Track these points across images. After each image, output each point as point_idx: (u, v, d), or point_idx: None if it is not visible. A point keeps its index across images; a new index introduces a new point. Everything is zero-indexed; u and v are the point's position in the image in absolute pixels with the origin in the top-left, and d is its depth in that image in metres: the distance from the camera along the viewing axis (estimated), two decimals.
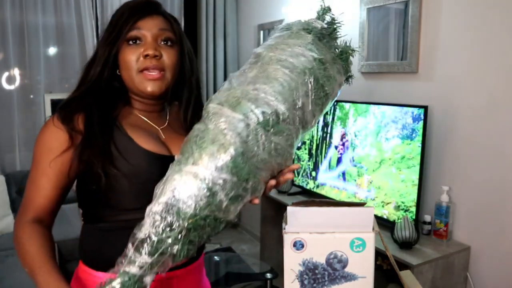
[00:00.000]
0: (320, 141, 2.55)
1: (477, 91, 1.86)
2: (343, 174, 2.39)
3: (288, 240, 0.70)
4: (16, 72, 3.08)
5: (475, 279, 1.92)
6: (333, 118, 2.44)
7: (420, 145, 1.91)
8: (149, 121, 0.97)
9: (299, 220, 0.69)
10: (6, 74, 3.05)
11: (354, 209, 0.69)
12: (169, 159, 0.86)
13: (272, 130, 0.72)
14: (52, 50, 3.25)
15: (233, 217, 0.72)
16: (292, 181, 2.79)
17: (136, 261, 0.66)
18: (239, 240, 3.67)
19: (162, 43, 0.91)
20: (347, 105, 2.33)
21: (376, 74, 2.37)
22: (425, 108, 1.91)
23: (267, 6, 3.33)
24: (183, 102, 0.99)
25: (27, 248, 0.81)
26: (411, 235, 1.85)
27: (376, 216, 0.74)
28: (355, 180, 2.28)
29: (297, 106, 0.75)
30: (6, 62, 3.02)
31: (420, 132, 1.92)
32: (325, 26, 0.85)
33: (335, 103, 2.43)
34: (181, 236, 0.67)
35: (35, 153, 0.90)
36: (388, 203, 2.07)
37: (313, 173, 2.61)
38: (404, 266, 1.79)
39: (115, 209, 0.90)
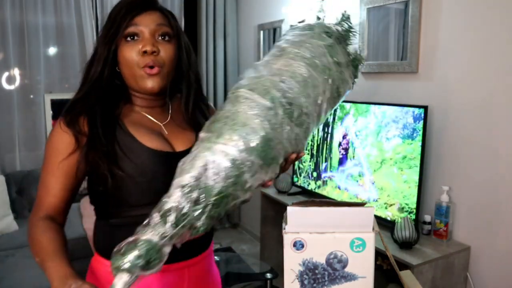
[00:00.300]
0: (321, 142, 2.56)
1: (477, 91, 1.86)
2: (345, 174, 2.39)
3: (288, 240, 0.70)
4: (16, 72, 3.09)
5: (475, 279, 1.92)
6: (333, 118, 2.44)
7: (420, 145, 1.91)
8: (151, 118, 0.98)
9: (299, 220, 0.69)
10: (6, 74, 3.05)
11: (354, 209, 0.69)
12: (172, 155, 0.93)
13: (296, 121, 0.76)
14: (52, 50, 3.25)
15: (249, 197, 0.75)
16: (292, 181, 2.79)
17: (159, 231, 0.68)
18: (239, 240, 3.68)
19: (160, 38, 0.92)
20: (347, 105, 2.33)
21: (376, 74, 2.37)
22: (425, 108, 1.91)
23: (267, 6, 3.33)
24: (183, 95, 1.01)
25: (40, 240, 0.83)
26: (411, 235, 1.85)
27: (376, 216, 0.74)
28: (357, 181, 2.28)
29: (317, 102, 0.80)
30: (6, 62, 3.03)
31: (420, 132, 1.92)
32: (343, 32, 0.89)
33: None
34: (206, 211, 0.70)
35: (45, 155, 0.93)
36: (391, 205, 2.06)
37: (314, 174, 2.61)
38: (404, 266, 1.79)
39: (124, 206, 0.93)
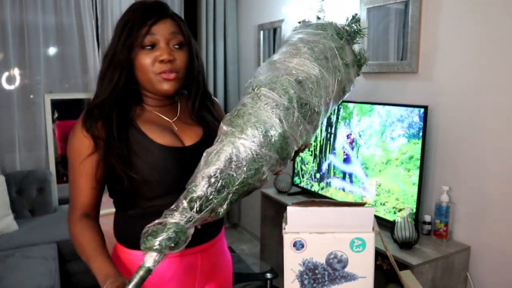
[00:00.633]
0: (324, 142, 2.55)
1: (477, 91, 1.86)
2: (349, 175, 2.39)
3: (288, 240, 0.70)
4: (16, 72, 3.08)
5: (475, 279, 1.92)
6: (337, 118, 2.44)
7: (420, 145, 1.91)
8: (162, 116, 1.06)
9: (299, 220, 0.70)
10: (6, 74, 3.05)
11: (354, 209, 0.69)
12: (182, 150, 1.02)
13: (308, 119, 0.83)
14: (52, 50, 3.25)
15: (262, 185, 0.83)
16: (292, 181, 2.79)
17: (186, 215, 0.77)
18: (239, 240, 3.68)
19: (174, 46, 0.99)
20: (350, 105, 2.33)
21: (376, 74, 2.37)
22: (425, 108, 1.91)
23: (267, 6, 3.33)
24: (192, 96, 1.09)
25: (81, 240, 0.96)
26: (411, 235, 1.85)
27: (376, 216, 0.74)
28: (363, 183, 2.26)
29: (327, 101, 0.86)
30: (6, 62, 3.02)
31: (420, 132, 1.92)
32: (352, 34, 0.94)
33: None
34: (227, 198, 0.78)
35: (69, 159, 1.01)
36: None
37: (317, 175, 2.61)
38: (404, 266, 1.79)
39: (140, 198, 1.00)
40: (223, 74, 3.75)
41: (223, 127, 0.82)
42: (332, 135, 2.45)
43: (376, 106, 2.15)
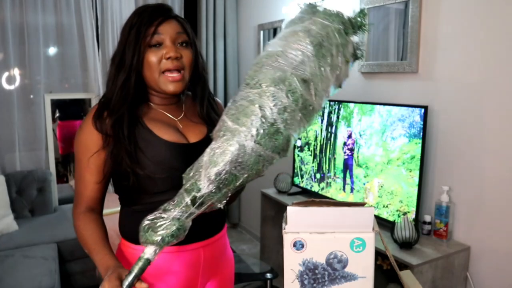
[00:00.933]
0: (324, 142, 2.55)
1: (477, 91, 1.86)
2: (350, 175, 2.39)
3: (288, 240, 0.70)
4: (16, 72, 3.08)
5: (475, 279, 1.92)
6: (337, 118, 2.44)
7: (420, 145, 1.91)
8: (167, 114, 1.09)
9: (299, 220, 0.70)
10: (6, 74, 3.05)
11: (354, 209, 0.69)
12: (187, 146, 1.05)
13: (307, 117, 0.84)
14: (52, 50, 3.25)
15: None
16: (292, 181, 2.79)
17: (187, 210, 0.81)
18: (239, 240, 3.68)
19: (179, 45, 1.03)
20: (351, 105, 2.33)
21: (376, 74, 2.37)
22: (425, 108, 1.91)
23: (267, 6, 3.33)
24: (198, 96, 1.12)
25: (83, 233, 1.00)
26: (411, 235, 1.85)
27: (376, 216, 0.74)
28: (364, 183, 2.26)
29: (323, 98, 0.86)
30: (6, 62, 3.02)
31: (420, 132, 1.92)
32: (355, 28, 0.92)
33: (339, 103, 2.43)
34: (227, 195, 0.83)
35: (77, 154, 1.04)
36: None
37: (317, 175, 2.61)
38: (404, 266, 1.79)
39: (145, 194, 1.03)
40: (223, 74, 3.75)
41: (228, 121, 0.81)
42: (333, 135, 2.45)
43: (376, 106, 2.15)
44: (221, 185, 0.80)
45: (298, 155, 2.76)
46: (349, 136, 2.34)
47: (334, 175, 2.46)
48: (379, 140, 2.14)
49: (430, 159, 2.06)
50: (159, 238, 0.79)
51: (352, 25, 0.90)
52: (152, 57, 1.01)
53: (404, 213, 1.99)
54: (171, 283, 1.06)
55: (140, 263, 0.80)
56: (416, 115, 1.94)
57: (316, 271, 0.70)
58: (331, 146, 2.47)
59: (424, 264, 1.77)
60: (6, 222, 2.73)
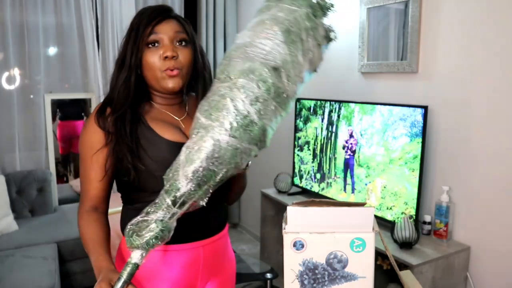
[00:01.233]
0: (325, 142, 2.55)
1: (477, 91, 1.86)
2: (351, 176, 2.39)
3: (288, 240, 0.70)
4: (16, 72, 3.08)
5: (475, 279, 1.92)
6: (338, 117, 2.44)
7: (420, 145, 1.91)
8: (170, 114, 1.10)
9: (299, 220, 0.69)
10: (6, 74, 3.05)
11: (354, 209, 0.69)
12: None
13: (282, 106, 0.84)
14: (52, 50, 3.25)
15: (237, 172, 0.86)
16: (292, 181, 2.79)
17: (170, 211, 0.81)
18: (239, 240, 3.68)
19: (178, 44, 1.04)
20: (351, 105, 2.33)
21: (376, 74, 2.37)
22: (425, 108, 1.91)
23: None
24: (199, 94, 1.12)
25: (84, 233, 1.01)
26: (411, 235, 1.85)
27: (376, 216, 0.74)
28: (366, 184, 2.25)
29: (295, 82, 0.85)
30: (6, 62, 3.02)
31: (420, 132, 1.92)
32: (325, 9, 0.89)
33: (340, 103, 2.43)
34: (208, 191, 0.83)
35: (81, 152, 1.06)
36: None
37: (318, 175, 2.61)
38: (404, 266, 1.79)
39: (146, 192, 1.04)
40: None
41: (201, 118, 0.82)
42: (333, 134, 2.45)
43: (377, 106, 2.15)
44: (200, 183, 0.80)
45: (298, 155, 2.75)
46: (351, 136, 2.34)
47: (335, 175, 2.46)
48: (380, 139, 2.14)
49: (430, 159, 2.06)
50: (143, 241, 0.79)
51: (321, 8, 0.88)
52: (150, 56, 1.02)
53: (411, 217, 1.96)
54: (170, 282, 1.06)
55: (128, 268, 0.80)
56: (416, 115, 1.94)
57: (316, 271, 0.70)
58: (332, 146, 2.47)
59: (424, 264, 1.77)
60: (6, 222, 2.73)
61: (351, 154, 2.33)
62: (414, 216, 1.94)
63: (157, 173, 1.00)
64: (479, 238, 1.90)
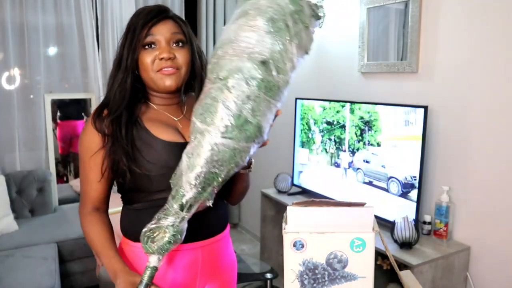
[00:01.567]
0: (325, 141, 2.55)
1: (477, 91, 1.86)
2: (352, 176, 2.39)
3: (288, 240, 0.70)
4: (16, 72, 3.08)
5: (475, 279, 1.92)
6: (338, 117, 2.44)
7: (420, 145, 1.91)
8: (167, 114, 1.10)
9: (299, 220, 0.69)
10: (6, 74, 3.05)
11: (354, 209, 0.69)
12: (184, 145, 1.02)
13: (276, 98, 0.83)
14: (52, 50, 3.25)
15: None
16: (292, 181, 2.79)
17: (179, 215, 0.85)
18: (239, 240, 3.68)
19: (174, 45, 1.04)
20: (347, 105, 2.33)
21: (376, 74, 2.37)
22: (425, 108, 1.91)
23: None
24: (196, 94, 1.10)
25: (90, 234, 1.04)
26: (411, 235, 1.85)
27: (376, 216, 0.74)
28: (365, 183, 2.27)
29: (286, 71, 0.83)
30: (6, 62, 3.02)
31: (420, 132, 1.92)
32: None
33: (340, 103, 2.43)
34: (213, 192, 0.85)
35: (80, 154, 1.07)
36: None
37: (318, 175, 2.61)
38: (404, 266, 1.79)
39: (144, 192, 1.05)
40: None
41: (196, 122, 0.83)
42: (333, 135, 2.45)
43: (377, 106, 2.15)
44: (204, 186, 0.82)
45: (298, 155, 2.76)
46: (351, 136, 2.34)
47: (335, 174, 2.46)
48: (379, 140, 2.14)
49: (430, 159, 2.06)
50: (158, 247, 0.85)
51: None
52: (147, 57, 1.02)
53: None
54: (167, 284, 1.06)
55: (148, 272, 0.87)
56: (416, 115, 1.94)
57: (316, 271, 0.70)
58: (332, 146, 2.47)
59: (424, 264, 1.77)
60: (6, 222, 2.73)
61: (352, 154, 2.33)
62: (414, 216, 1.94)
63: (152, 174, 1.02)
64: (479, 238, 1.90)
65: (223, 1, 3.67)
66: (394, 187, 2.06)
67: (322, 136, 2.53)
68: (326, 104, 2.47)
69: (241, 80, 0.79)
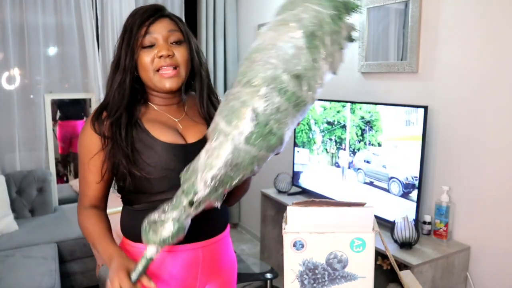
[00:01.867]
0: (325, 141, 2.55)
1: (477, 91, 1.86)
2: (352, 175, 2.39)
3: (288, 240, 0.70)
4: (16, 72, 3.08)
5: (475, 279, 1.92)
6: (338, 117, 2.44)
7: (420, 145, 1.91)
8: (167, 114, 1.09)
9: (299, 220, 0.69)
10: (6, 74, 3.05)
11: (354, 209, 0.69)
12: (184, 147, 1.05)
13: (301, 112, 0.83)
14: (52, 50, 3.25)
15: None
16: (292, 181, 2.79)
17: (186, 211, 0.84)
18: (239, 240, 3.68)
19: (174, 43, 1.03)
20: (347, 105, 2.33)
21: (376, 74, 2.37)
22: (425, 108, 1.91)
23: (267, 6, 3.33)
24: (197, 92, 1.12)
25: (87, 227, 1.04)
26: (411, 235, 1.85)
27: (376, 216, 0.74)
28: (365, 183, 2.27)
29: (315, 89, 0.83)
30: (6, 62, 3.02)
31: (420, 132, 1.92)
32: (350, 10, 0.85)
33: (340, 103, 2.43)
34: (224, 193, 0.85)
35: (79, 155, 1.07)
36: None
37: (318, 175, 2.61)
38: (404, 266, 1.79)
39: (144, 194, 1.05)
40: (223, 74, 3.75)
41: (221, 123, 0.81)
42: (334, 135, 2.45)
43: (377, 106, 2.14)
44: (217, 186, 0.82)
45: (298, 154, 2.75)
46: (351, 136, 2.34)
47: (336, 175, 2.46)
48: (379, 140, 2.14)
49: (430, 159, 2.06)
50: (159, 239, 0.84)
51: (346, 8, 0.83)
52: (146, 57, 1.01)
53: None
54: (168, 284, 1.06)
55: (144, 261, 0.86)
56: (416, 115, 1.94)
57: (316, 271, 0.70)
58: (333, 146, 2.47)
59: (424, 264, 1.77)
60: (6, 222, 2.73)
61: (352, 154, 2.33)
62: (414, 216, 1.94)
63: (152, 176, 1.01)
64: (479, 238, 1.90)
65: (223, 1, 3.67)
66: (395, 188, 2.06)
67: (323, 136, 2.53)
68: (327, 104, 2.47)
69: (274, 90, 0.78)
